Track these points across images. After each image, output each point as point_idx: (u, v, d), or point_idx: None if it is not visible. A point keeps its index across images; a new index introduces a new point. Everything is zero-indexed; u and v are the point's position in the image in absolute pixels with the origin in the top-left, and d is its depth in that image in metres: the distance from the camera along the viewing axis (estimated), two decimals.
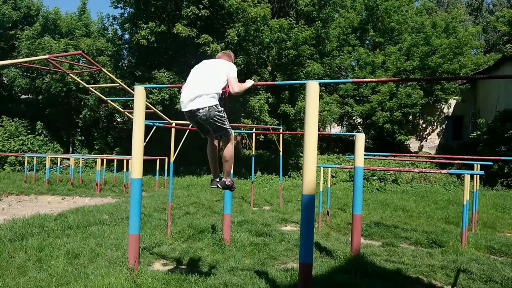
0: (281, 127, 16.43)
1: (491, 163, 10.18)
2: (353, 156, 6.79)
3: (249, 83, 4.52)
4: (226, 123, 4.23)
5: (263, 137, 18.13)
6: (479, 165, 9.55)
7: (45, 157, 17.01)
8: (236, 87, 4.26)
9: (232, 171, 4.60)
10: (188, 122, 9.00)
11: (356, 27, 25.46)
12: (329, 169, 9.32)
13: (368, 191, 16.16)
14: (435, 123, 24.69)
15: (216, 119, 4.14)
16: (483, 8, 45.81)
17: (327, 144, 25.35)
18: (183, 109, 4.21)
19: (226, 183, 4.52)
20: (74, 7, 62.51)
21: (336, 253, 6.39)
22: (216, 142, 4.53)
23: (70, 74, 8.57)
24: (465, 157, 9.87)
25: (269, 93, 18.59)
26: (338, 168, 14.01)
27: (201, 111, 4.10)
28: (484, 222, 9.58)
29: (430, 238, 7.74)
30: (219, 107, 4.17)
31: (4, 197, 12.95)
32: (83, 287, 4.49)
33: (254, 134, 12.95)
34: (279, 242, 7.14)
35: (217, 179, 4.56)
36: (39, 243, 6.42)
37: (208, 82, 4.19)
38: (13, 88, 25.65)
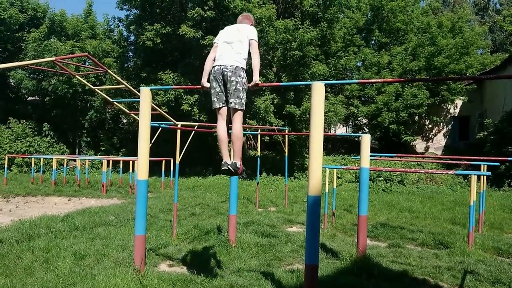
0: (286, 128, 16.41)
1: (498, 163, 10.10)
2: (358, 157, 6.78)
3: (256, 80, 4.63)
4: (244, 94, 4.46)
5: (268, 138, 18.13)
6: (486, 166, 9.49)
7: (52, 159, 17.12)
8: (257, 51, 4.59)
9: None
10: (193, 124, 9.01)
11: (361, 28, 25.41)
12: (335, 170, 9.30)
13: (374, 192, 16.10)
14: (441, 123, 24.56)
15: (238, 80, 4.42)
16: (490, 7, 45.52)
17: (332, 145, 25.31)
18: (215, 63, 4.55)
19: (237, 165, 4.50)
20: (80, 9, 62.84)
21: (342, 254, 6.37)
22: (225, 122, 4.59)
23: (77, 76, 8.62)
24: (472, 157, 9.81)
25: (274, 94, 18.59)
26: (343, 169, 13.86)
27: (229, 67, 4.42)
28: (491, 223, 9.51)
29: (436, 239, 7.70)
30: (244, 73, 4.50)
31: (11, 198, 13.04)
32: None
33: (259, 135, 12.96)
34: (284, 243, 7.13)
35: (228, 161, 4.50)
36: (46, 244, 6.46)
37: (238, 48, 4.55)
38: (20, 90, 25.84)
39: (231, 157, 4.77)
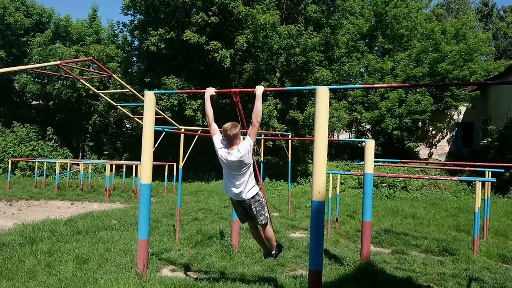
0: (289, 133, 16.40)
1: (502, 170, 10.02)
2: (362, 163, 6.75)
3: (259, 90, 4.56)
4: (265, 207, 4.75)
5: (271, 143, 18.10)
6: (490, 172, 9.43)
7: (55, 163, 17.15)
8: (254, 132, 4.56)
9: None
10: (197, 128, 9.01)
11: (365, 34, 25.44)
12: (338, 175, 9.27)
13: (377, 198, 16.03)
14: (445, 129, 24.50)
15: (257, 204, 4.65)
16: (493, 14, 45.54)
17: (335, 151, 25.25)
18: (227, 194, 4.79)
19: (277, 252, 5.12)
20: (85, 14, 63.24)
21: (346, 261, 6.33)
22: (255, 227, 4.95)
23: (81, 80, 8.63)
24: (476, 164, 9.75)
25: (277, 99, 18.59)
26: (347, 174, 13.87)
27: (247, 201, 4.63)
28: (496, 230, 9.44)
29: (441, 246, 7.64)
30: (260, 196, 4.70)
31: (14, 202, 13.05)
32: None
33: (262, 140, 12.94)
34: (287, 249, 7.10)
35: (268, 254, 5.12)
36: (48, 247, 6.46)
37: (245, 181, 4.58)
38: (24, 94, 25.96)
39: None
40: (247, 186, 4.58)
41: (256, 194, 4.63)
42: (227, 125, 4.51)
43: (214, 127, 4.75)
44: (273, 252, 5.07)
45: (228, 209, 11.22)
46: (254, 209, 4.63)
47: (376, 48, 26.64)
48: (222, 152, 4.55)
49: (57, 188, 15.41)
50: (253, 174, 4.68)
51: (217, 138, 4.67)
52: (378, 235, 8.53)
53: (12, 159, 18.67)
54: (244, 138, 4.63)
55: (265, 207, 4.75)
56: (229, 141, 4.52)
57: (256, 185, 4.73)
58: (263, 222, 4.73)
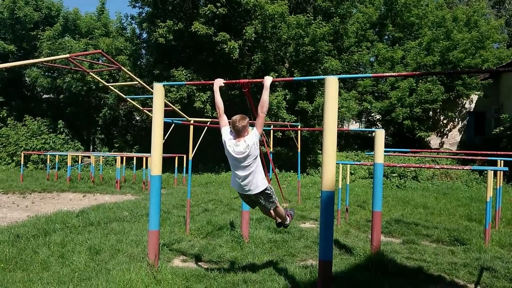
0: (299, 123, 16.35)
1: None
2: (372, 153, 6.71)
3: (268, 81, 4.53)
4: (274, 194, 4.73)
5: (281, 134, 18.08)
6: (502, 161, 9.32)
7: (67, 155, 17.33)
8: (260, 123, 4.52)
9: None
10: (206, 120, 9.03)
11: (374, 22, 25.11)
12: (348, 166, 9.24)
13: (387, 188, 15.96)
14: (457, 119, 24.21)
15: (265, 197, 4.64)
16: (506, 0, 44.65)
17: (345, 141, 25.13)
18: (236, 188, 4.75)
19: (289, 221, 5.19)
20: (93, 7, 63.33)
21: (356, 250, 6.33)
22: (264, 209, 4.93)
23: (91, 73, 8.68)
24: (488, 152, 9.65)
25: (286, 90, 18.52)
26: (357, 165, 13.80)
27: (253, 195, 4.60)
28: (508, 219, 9.35)
29: (452, 235, 7.60)
30: (268, 185, 4.65)
31: (27, 194, 13.24)
32: (104, 283, 4.55)
33: (272, 131, 12.92)
34: (297, 239, 7.12)
35: (280, 224, 5.17)
36: (61, 239, 6.55)
37: (252, 173, 4.53)
38: (35, 88, 26.20)
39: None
40: (255, 179, 4.53)
41: (265, 189, 4.58)
42: (236, 117, 4.49)
43: (224, 118, 4.73)
44: (286, 222, 5.15)
45: (238, 200, 11.26)
46: (262, 201, 4.67)
47: (386, 37, 26.31)
48: (229, 143, 4.52)
49: (69, 181, 15.59)
50: (261, 167, 4.62)
51: (225, 130, 4.65)
52: (388, 225, 8.50)
53: (25, 152, 18.89)
54: (252, 129, 4.61)
55: (273, 196, 4.73)
56: (237, 133, 4.50)
57: (265, 179, 4.68)
58: (272, 208, 4.80)
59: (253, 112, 4.84)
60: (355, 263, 5.80)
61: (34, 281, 4.67)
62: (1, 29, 24.29)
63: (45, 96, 27.53)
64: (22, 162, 17.09)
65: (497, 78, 22.72)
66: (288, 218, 5.13)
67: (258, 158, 4.59)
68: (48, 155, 17.91)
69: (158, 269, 4.94)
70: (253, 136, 4.49)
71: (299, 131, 13.28)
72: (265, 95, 4.46)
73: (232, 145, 4.51)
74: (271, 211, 4.89)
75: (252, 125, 4.65)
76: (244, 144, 4.44)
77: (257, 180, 4.55)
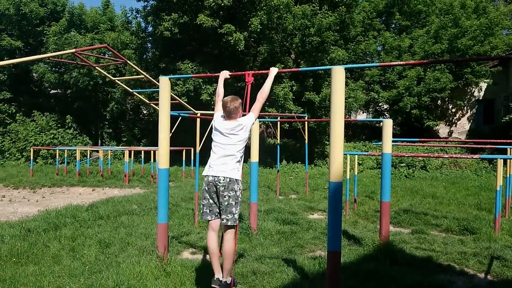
0: (306, 115, 16.31)
1: None
2: (380, 143, 6.66)
3: (273, 71, 4.51)
4: (238, 208, 4.13)
5: (288, 125, 18.04)
6: None
7: (75, 150, 17.47)
8: (257, 107, 4.25)
9: (233, 270, 4.29)
10: (212, 112, 9.02)
11: (381, 11, 24.86)
12: (356, 156, 9.20)
13: (396, 178, 15.90)
14: (465, 107, 23.97)
15: (231, 195, 4.07)
16: None
17: (353, 132, 25.04)
18: (205, 173, 4.17)
19: (228, 282, 4.14)
20: (98, 2, 63.36)
21: (365, 241, 6.32)
22: (216, 234, 4.25)
23: (97, 68, 8.71)
24: (498, 141, 9.55)
25: (293, 81, 18.44)
26: (365, 155, 13.73)
27: (222, 180, 4.06)
28: None
29: (461, 225, 7.56)
30: (239, 184, 4.13)
31: (37, 189, 13.37)
32: (115, 276, 4.59)
33: (279, 123, 12.89)
34: (306, 230, 7.12)
35: (220, 277, 4.13)
36: (72, 233, 6.62)
37: (231, 156, 4.11)
38: (43, 84, 26.37)
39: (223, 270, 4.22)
40: (232, 164, 4.09)
41: (236, 180, 4.09)
42: (227, 98, 4.17)
43: (219, 105, 4.47)
44: (223, 280, 4.12)
45: (246, 192, 11.28)
46: (226, 198, 4.06)
47: (393, 25, 26.04)
48: (217, 119, 4.26)
49: (78, 175, 15.72)
50: (242, 158, 4.20)
51: (217, 114, 4.41)
52: (397, 215, 8.48)
53: (34, 147, 19.07)
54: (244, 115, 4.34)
55: (239, 207, 4.16)
56: (229, 115, 4.19)
57: (241, 175, 4.18)
58: (229, 223, 4.10)
59: (246, 106, 4.64)
60: (364, 253, 5.79)
61: (46, 275, 4.73)
62: (8, 25, 24.38)
63: (52, 91, 27.72)
64: (31, 158, 17.25)
65: (507, 65, 22.41)
66: (230, 279, 4.17)
67: (244, 146, 4.18)
68: (57, 150, 18.07)
69: (167, 262, 4.98)
70: (249, 118, 4.19)
71: (306, 122, 13.24)
72: (268, 83, 4.37)
73: (220, 121, 4.26)
74: (223, 236, 4.20)
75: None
76: (236, 123, 4.15)
77: (233, 166, 4.10)
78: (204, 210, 4.20)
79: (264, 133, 21.15)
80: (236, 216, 4.12)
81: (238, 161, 4.16)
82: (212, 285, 4.09)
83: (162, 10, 18.58)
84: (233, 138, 4.13)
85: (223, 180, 4.04)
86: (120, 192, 12.44)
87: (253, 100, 4.37)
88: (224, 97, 4.39)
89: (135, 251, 5.72)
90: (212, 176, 4.10)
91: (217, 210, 4.17)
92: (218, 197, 4.11)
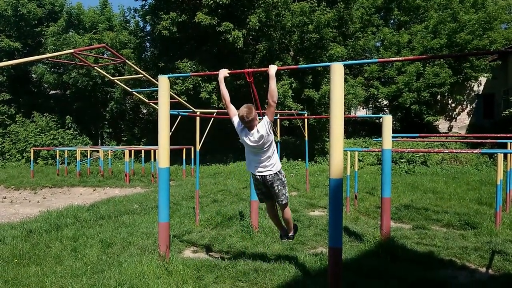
0: (305, 112, 16.29)
1: None
2: (380, 139, 6.66)
3: (272, 69, 4.51)
4: (286, 188, 4.77)
5: (287, 122, 18.03)
6: None
7: (76, 150, 17.48)
8: (271, 112, 4.55)
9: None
10: (212, 110, 9.02)
11: (379, 7, 24.78)
12: (356, 152, 9.19)
13: (396, 174, 15.91)
14: (465, 102, 23.95)
15: (279, 183, 4.66)
16: None
17: (353, 128, 25.03)
18: (251, 171, 4.79)
19: (292, 234, 5.15)
20: (96, 2, 63.25)
21: (366, 237, 6.33)
22: (273, 207, 4.99)
23: (96, 68, 8.68)
24: (498, 135, 9.55)
25: (292, 78, 18.41)
26: (365, 151, 13.76)
27: (268, 177, 4.64)
28: None
29: (462, 219, 7.57)
30: (282, 174, 4.72)
31: (38, 190, 13.39)
32: (117, 275, 4.60)
33: (278, 120, 12.88)
34: (307, 227, 7.13)
35: (285, 235, 5.14)
36: (73, 233, 6.63)
37: (268, 157, 4.63)
38: (42, 84, 26.35)
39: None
40: (271, 162, 4.61)
41: (279, 171, 4.65)
42: (243, 111, 4.42)
43: (231, 108, 4.74)
44: (290, 234, 5.10)
45: (247, 190, 11.30)
46: (276, 187, 4.64)
47: (392, 21, 25.98)
48: (243, 135, 4.60)
49: (79, 175, 15.74)
50: (276, 151, 4.70)
51: (236, 120, 4.67)
52: (398, 211, 8.49)
53: (34, 148, 19.08)
54: (260, 119, 4.61)
55: (286, 187, 4.76)
56: (247, 126, 4.52)
57: (280, 162, 4.76)
58: (284, 202, 4.73)
59: (257, 103, 4.81)
60: (365, 249, 5.80)
61: (48, 275, 4.74)
62: (6, 26, 24.33)
63: (52, 92, 27.70)
64: (32, 158, 17.26)
65: (506, 59, 22.39)
66: (292, 231, 5.12)
67: (273, 142, 4.67)
68: (57, 151, 18.08)
69: (169, 261, 4.99)
70: (264, 124, 4.51)
71: (306, 120, 13.23)
72: (273, 84, 4.46)
73: (247, 135, 4.57)
74: (280, 211, 4.88)
75: (260, 115, 4.64)
76: (258, 134, 4.49)
77: (274, 161, 4.64)
78: (260, 197, 4.93)
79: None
80: (287, 194, 4.80)
81: (275, 156, 4.69)
82: (282, 240, 5.37)
83: (160, 9, 18.54)
84: (263, 147, 4.57)
85: (269, 177, 4.64)
86: (121, 192, 12.45)
87: (259, 98, 4.42)
88: (229, 95, 4.76)
89: (137, 250, 5.73)
90: (259, 175, 4.68)
91: (270, 194, 4.80)
92: (268, 187, 4.72)
